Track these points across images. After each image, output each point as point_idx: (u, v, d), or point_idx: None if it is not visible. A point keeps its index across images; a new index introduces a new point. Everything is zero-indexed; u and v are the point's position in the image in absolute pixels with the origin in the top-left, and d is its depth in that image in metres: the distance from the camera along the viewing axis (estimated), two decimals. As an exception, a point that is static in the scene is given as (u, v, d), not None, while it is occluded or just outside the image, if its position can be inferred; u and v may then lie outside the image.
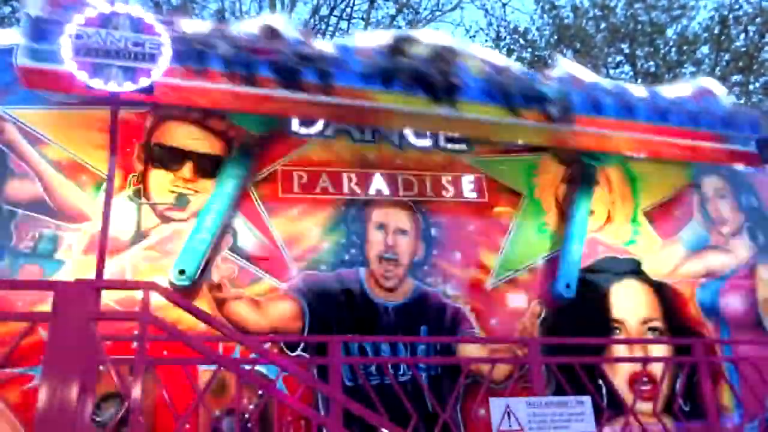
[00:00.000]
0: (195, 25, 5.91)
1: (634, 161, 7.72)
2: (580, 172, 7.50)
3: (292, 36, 6.07)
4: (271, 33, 5.95)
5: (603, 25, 17.07)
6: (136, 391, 3.09)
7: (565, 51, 17.11)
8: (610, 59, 17.29)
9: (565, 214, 7.28)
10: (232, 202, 6.21)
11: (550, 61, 16.78)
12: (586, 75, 7.58)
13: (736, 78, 16.93)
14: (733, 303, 7.56)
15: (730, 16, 16.38)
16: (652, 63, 17.13)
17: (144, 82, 4.58)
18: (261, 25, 6.08)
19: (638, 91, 7.65)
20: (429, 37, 6.80)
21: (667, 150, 7.41)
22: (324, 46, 6.35)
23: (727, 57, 16.67)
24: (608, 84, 7.67)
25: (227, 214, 6.14)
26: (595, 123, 7.06)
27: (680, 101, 7.61)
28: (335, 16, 15.87)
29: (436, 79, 6.27)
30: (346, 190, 6.75)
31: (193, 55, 5.53)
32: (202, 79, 5.61)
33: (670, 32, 17.18)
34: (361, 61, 6.21)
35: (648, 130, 7.28)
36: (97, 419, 4.82)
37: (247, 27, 6.12)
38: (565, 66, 7.57)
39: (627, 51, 17.14)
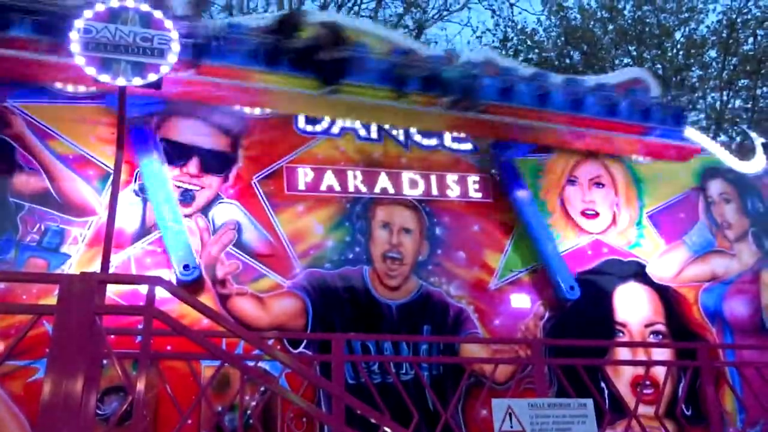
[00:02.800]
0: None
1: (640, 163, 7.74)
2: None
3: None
4: None
5: (610, 27, 17.00)
6: (140, 385, 3.09)
7: (572, 52, 17.05)
8: (617, 61, 17.22)
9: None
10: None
11: (557, 62, 16.76)
12: (502, 60, 7.37)
13: (743, 82, 16.84)
14: (737, 307, 7.53)
15: (739, 20, 16.29)
16: (659, 66, 17.05)
17: (152, 77, 4.57)
18: None
19: (556, 79, 7.44)
20: (319, 16, 6.67)
21: (579, 141, 7.28)
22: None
23: (734, 61, 16.57)
24: (525, 71, 7.41)
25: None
26: (507, 111, 6.83)
27: (599, 91, 7.35)
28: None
29: (324, 60, 6.05)
30: (351, 188, 6.76)
31: None
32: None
33: (678, 35, 17.11)
34: (247, 41, 6.06)
35: (561, 120, 7.06)
36: (101, 412, 4.83)
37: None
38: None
39: (634, 53, 17.05)
